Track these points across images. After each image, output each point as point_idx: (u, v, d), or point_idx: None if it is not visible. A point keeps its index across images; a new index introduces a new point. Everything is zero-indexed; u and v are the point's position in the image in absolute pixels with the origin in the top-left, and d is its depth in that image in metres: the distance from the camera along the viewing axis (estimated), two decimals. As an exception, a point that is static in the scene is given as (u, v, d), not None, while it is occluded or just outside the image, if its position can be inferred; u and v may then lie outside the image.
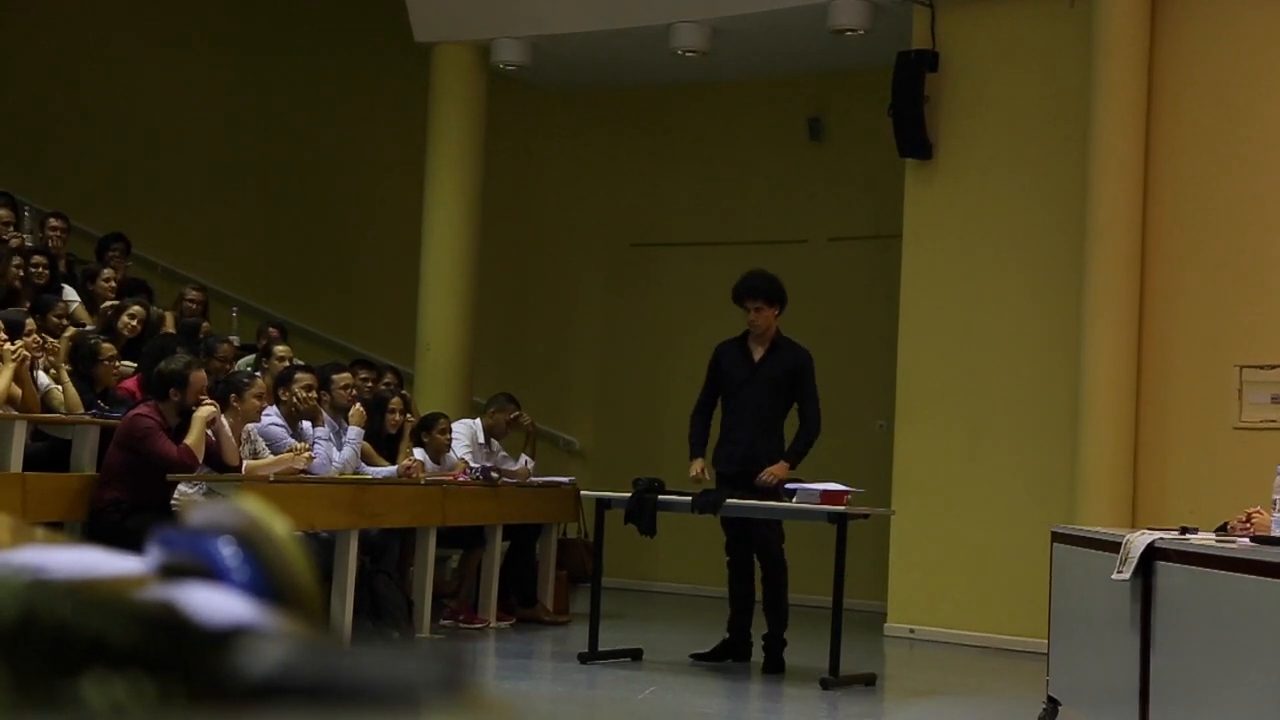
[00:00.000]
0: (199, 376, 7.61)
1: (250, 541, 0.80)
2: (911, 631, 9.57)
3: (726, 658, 7.94)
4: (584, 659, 7.77)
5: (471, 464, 9.30)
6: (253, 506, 0.82)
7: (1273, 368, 8.53)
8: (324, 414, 8.53)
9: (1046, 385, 9.20)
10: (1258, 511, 5.44)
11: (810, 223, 11.85)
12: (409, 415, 9.36)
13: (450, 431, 9.35)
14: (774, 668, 7.73)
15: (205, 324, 9.94)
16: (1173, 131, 8.95)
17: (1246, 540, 4.90)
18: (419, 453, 9.08)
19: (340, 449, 8.46)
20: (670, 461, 11.65)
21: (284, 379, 8.45)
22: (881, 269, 10.67)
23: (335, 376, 8.79)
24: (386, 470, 8.72)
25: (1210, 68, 8.90)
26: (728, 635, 8.01)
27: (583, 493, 9.46)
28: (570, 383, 12.80)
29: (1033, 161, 9.43)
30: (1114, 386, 8.79)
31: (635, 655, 8.01)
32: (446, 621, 9.01)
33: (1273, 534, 5.00)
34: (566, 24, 10.93)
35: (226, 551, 0.79)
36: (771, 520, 7.77)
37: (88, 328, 9.04)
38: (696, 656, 7.95)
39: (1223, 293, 8.75)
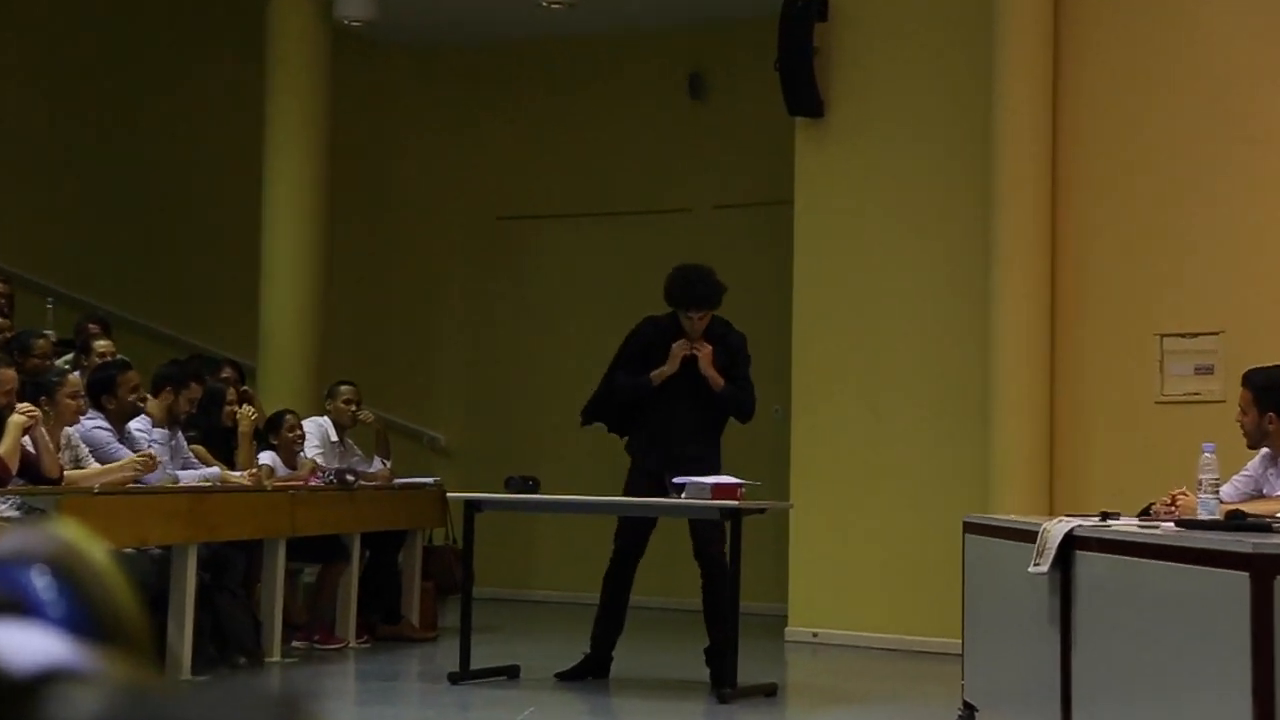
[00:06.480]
0: (8, 375, 7.44)
1: (66, 570, 0.78)
2: (815, 635, 9.67)
3: (588, 674, 7.91)
4: (454, 679, 7.75)
5: (323, 465, 9.21)
6: (67, 530, 0.81)
7: (1195, 335, 8.70)
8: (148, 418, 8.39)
9: (954, 363, 9.33)
10: (1183, 493, 5.56)
11: (693, 189, 11.89)
12: (247, 410, 9.19)
13: (299, 429, 9.26)
14: (725, 681, 7.37)
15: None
16: (1082, 87, 9.09)
17: (1171, 525, 5.00)
18: (266, 456, 8.97)
19: (171, 457, 8.30)
20: (547, 457, 11.67)
21: (106, 382, 8.23)
22: (772, 238, 10.74)
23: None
24: (206, 473, 8.44)
25: (1121, 19, 9.05)
26: (590, 650, 7.97)
27: (449, 494, 9.42)
28: (433, 372, 12.74)
29: (933, 120, 9.54)
30: (1026, 362, 8.92)
31: (511, 673, 8.00)
32: (300, 643, 8.93)
33: (1200, 517, 5.11)
34: (417, -26, 10.86)
35: (39, 582, 0.77)
36: (712, 520, 7.62)
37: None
38: (561, 675, 7.92)
39: (1140, 258, 8.91)
